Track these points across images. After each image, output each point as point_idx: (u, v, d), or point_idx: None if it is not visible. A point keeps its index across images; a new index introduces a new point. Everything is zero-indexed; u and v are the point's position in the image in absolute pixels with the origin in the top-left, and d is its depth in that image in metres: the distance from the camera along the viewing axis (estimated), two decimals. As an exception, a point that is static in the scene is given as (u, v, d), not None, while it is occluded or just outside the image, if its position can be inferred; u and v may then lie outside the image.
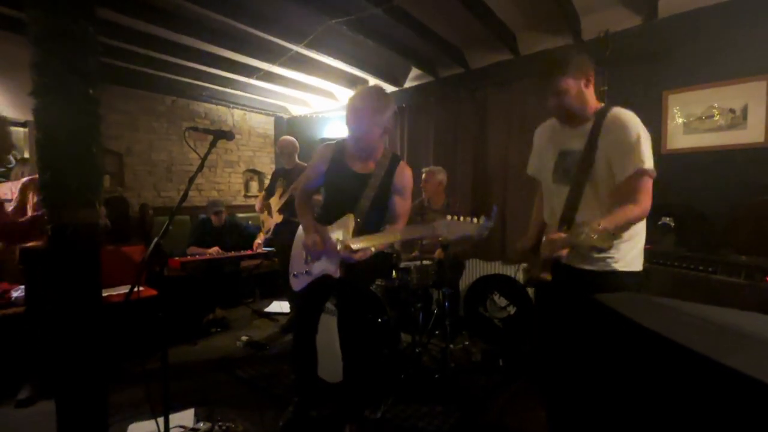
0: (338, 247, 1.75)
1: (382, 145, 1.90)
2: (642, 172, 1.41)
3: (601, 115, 1.51)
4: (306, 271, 1.95)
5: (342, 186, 1.86)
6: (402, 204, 1.89)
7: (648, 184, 1.43)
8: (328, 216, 1.91)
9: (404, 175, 1.87)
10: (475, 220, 1.55)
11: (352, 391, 2.08)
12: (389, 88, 4.50)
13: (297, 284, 2.01)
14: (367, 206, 1.81)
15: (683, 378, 0.58)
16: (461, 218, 1.57)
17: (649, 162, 1.41)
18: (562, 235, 1.42)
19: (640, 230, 1.54)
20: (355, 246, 1.71)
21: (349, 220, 1.81)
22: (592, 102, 1.55)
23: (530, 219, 1.88)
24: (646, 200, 1.42)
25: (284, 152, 3.58)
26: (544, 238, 1.58)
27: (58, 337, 1.64)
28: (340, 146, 1.90)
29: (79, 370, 1.67)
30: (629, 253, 1.50)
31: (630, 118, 1.47)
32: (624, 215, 1.39)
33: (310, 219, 1.90)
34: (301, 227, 2.02)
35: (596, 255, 1.48)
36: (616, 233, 1.41)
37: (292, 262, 2.07)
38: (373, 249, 1.73)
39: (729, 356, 0.51)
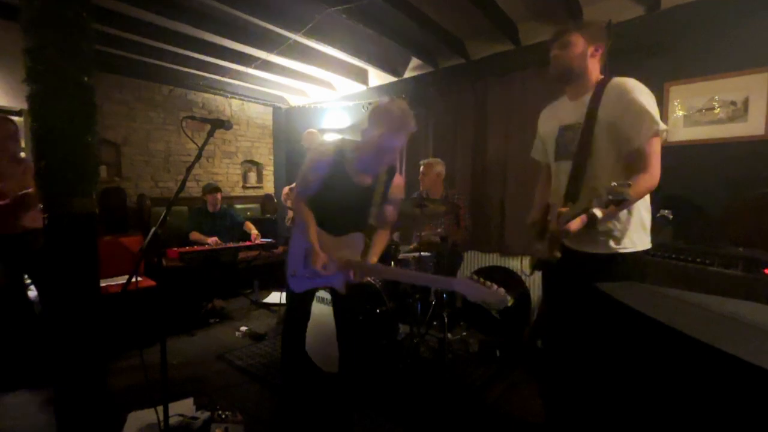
0: (348, 268, 1.69)
1: None
2: (656, 134, 1.38)
3: (601, 85, 1.48)
4: (308, 277, 1.84)
5: (345, 198, 1.76)
6: (392, 213, 1.89)
7: (659, 147, 1.40)
8: (329, 225, 1.80)
9: (399, 187, 1.88)
10: (501, 291, 1.25)
11: (349, 381, 2.10)
12: (389, 78, 4.47)
13: (297, 285, 1.90)
14: (373, 222, 1.78)
15: (685, 366, 0.58)
16: (487, 285, 1.25)
17: (661, 122, 1.39)
18: (567, 209, 1.40)
19: (642, 206, 1.50)
20: (366, 273, 1.71)
21: (359, 241, 1.76)
22: (594, 73, 1.52)
23: (533, 201, 1.84)
24: (656, 166, 1.40)
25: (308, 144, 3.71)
26: (550, 217, 1.55)
27: (57, 327, 1.64)
28: (340, 152, 1.75)
29: (78, 359, 1.67)
30: (633, 233, 1.47)
31: (634, 83, 1.44)
32: (637, 187, 1.36)
33: (315, 235, 1.76)
34: (298, 228, 1.92)
35: (600, 237, 1.47)
36: (623, 208, 1.40)
37: (291, 261, 1.93)
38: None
39: (730, 344, 0.51)
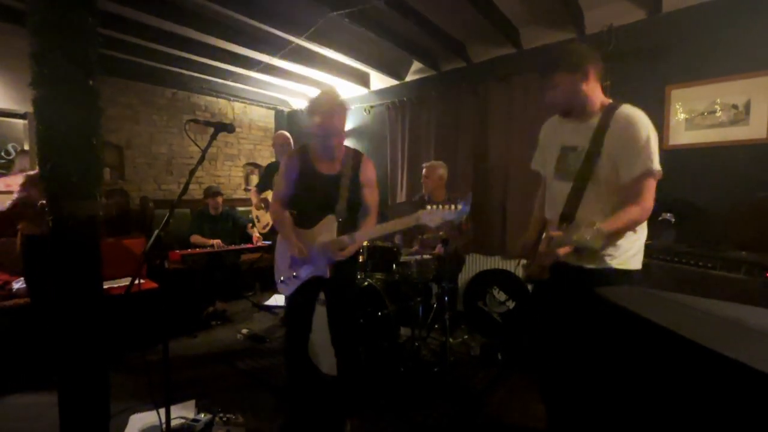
0: (326, 248, 1.83)
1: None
2: (648, 173, 1.40)
3: (609, 112, 1.47)
4: (294, 275, 1.95)
5: (316, 189, 1.89)
6: (371, 195, 1.98)
7: (652, 185, 1.42)
8: (307, 220, 1.92)
9: (369, 168, 1.96)
10: (452, 206, 1.72)
11: (347, 386, 2.10)
12: (390, 82, 4.48)
13: (286, 290, 2.00)
14: (345, 206, 1.88)
15: (687, 370, 0.58)
16: (440, 207, 1.73)
17: (656, 163, 1.40)
18: (560, 233, 1.41)
19: (640, 228, 1.51)
20: (343, 245, 1.81)
21: (331, 222, 1.87)
22: (597, 97, 1.50)
23: (532, 214, 1.88)
24: (648, 201, 1.41)
25: (277, 146, 3.68)
26: (543, 236, 1.58)
27: (60, 329, 1.65)
28: (303, 152, 1.92)
29: (81, 361, 1.67)
30: (628, 251, 1.48)
31: (640, 117, 1.43)
32: (625, 218, 1.39)
33: (291, 230, 1.92)
34: (280, 235, 2.02)
35: (593, 253, 1.48)
36: (614, 236, 1.42)
37: (278, 268, 2.04)
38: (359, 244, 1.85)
39: (733, 349, 0.52)
